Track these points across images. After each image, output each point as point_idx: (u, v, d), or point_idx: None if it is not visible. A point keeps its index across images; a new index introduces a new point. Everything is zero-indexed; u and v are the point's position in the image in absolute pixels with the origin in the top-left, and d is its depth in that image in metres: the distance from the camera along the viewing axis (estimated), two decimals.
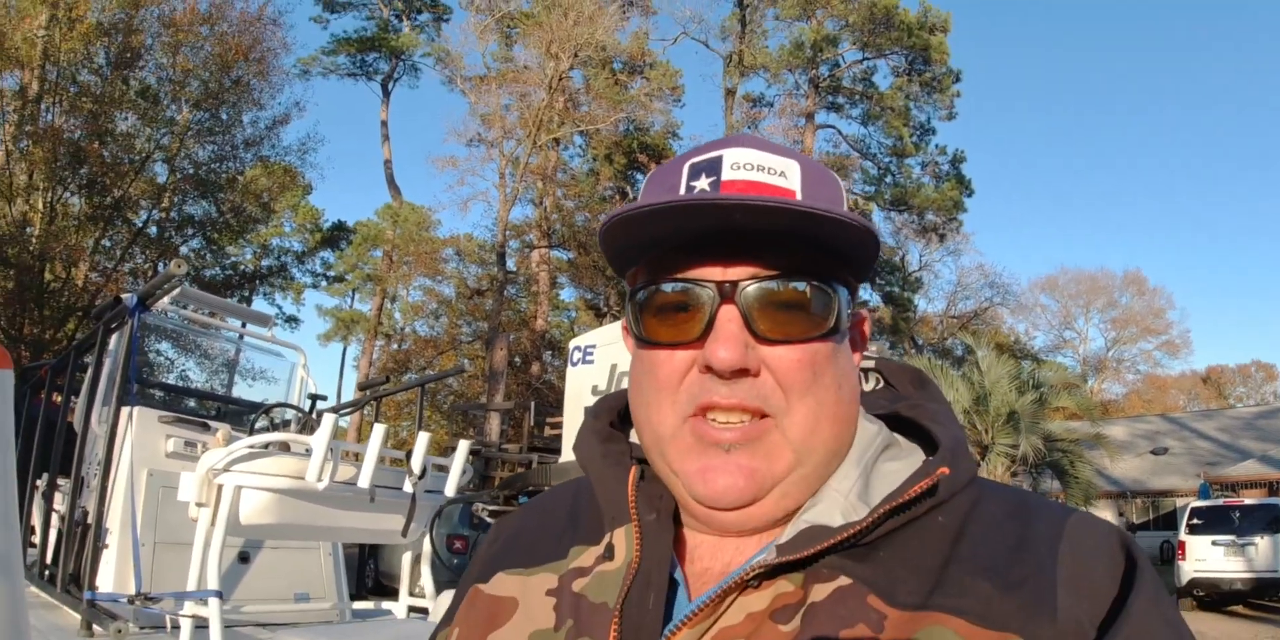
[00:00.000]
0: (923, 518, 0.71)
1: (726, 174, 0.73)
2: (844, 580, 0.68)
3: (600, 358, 3.01)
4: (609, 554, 0.77)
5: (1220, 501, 17.83)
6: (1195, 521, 16.75)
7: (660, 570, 0.72)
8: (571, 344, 3.10)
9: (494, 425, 21.86)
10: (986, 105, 79.60)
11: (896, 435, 0.80)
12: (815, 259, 0.71)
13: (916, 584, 0.67)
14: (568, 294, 37.45)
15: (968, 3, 72.27)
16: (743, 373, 0.69)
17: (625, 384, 2.52)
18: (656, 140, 34.07)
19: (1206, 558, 15.97)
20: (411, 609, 4.16)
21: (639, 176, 34.97)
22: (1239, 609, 16.23)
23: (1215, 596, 15.98)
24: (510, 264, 31.66)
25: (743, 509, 0.72)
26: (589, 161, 35.02)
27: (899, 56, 33.97)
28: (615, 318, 32.43)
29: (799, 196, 0.72)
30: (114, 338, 4.63)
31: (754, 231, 0.68)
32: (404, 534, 3.76)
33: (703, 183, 0.73)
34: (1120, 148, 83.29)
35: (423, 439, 3.79)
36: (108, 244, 22.52)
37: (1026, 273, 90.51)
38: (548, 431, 22.21)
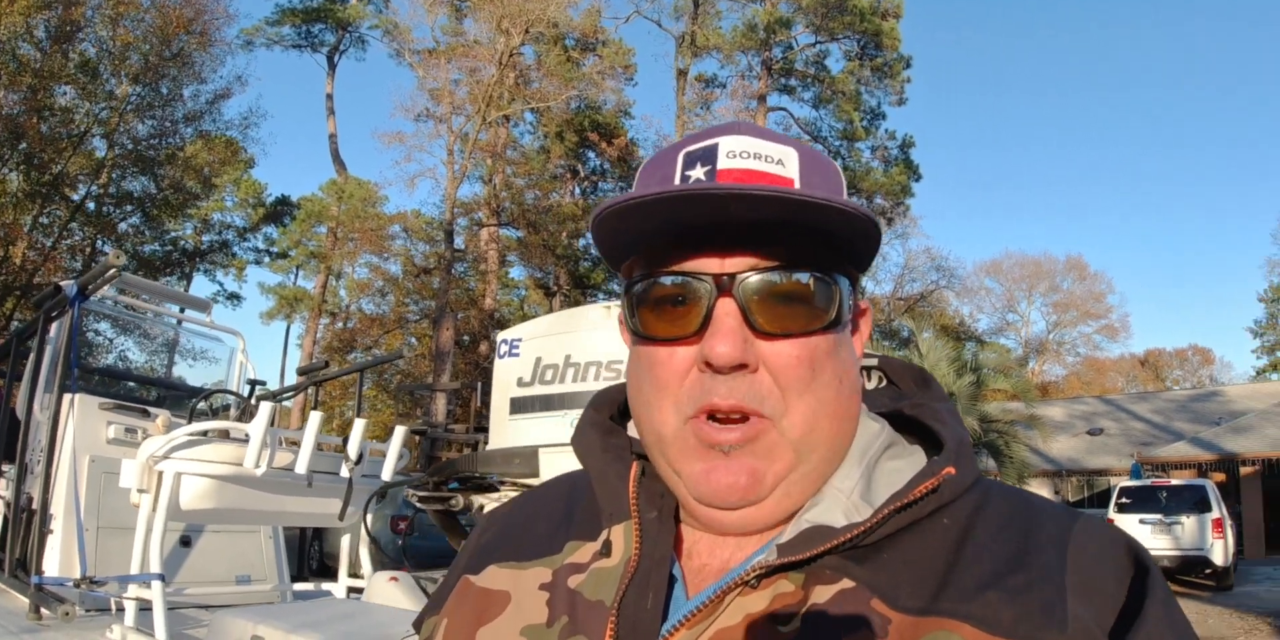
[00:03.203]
0: (927, 519, 0.70)
1: (723, 163, 0.71)
2: (846, 582, 0.67)
3: (525, 351, 3.16)
4: (606, 551, 0.76)
5: (1148, 482, 18.40)
6: (1124, 501, 17.29)
7: (660, 569, 0.71)
8: (499, 336, 3.25)
9: (440, 405, 21.88)
10: (936, 91, 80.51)
11: (899, 434, 0.79)
12: (815, 249, 0.70)
13: (920, 588, 0.66)
14: (517, 272, 37.29)
15: None
16: (740, 367, 0.68)
17: (548, 377, 2.68)
18: (608, 119, 33.97)
19: (1134, 536, 16.57)
20: (350, 590, 4.30)
21: (590, 155, 34.90)
22: None
23: None
24: (459, 242, 31.42)
25: (744, 510, 0.71)
26: (540, 139, 34.75)
27: (851, 41, 34.16)
28: (565, 297, 32.43)
29: (797, 185, 0.71)
30: (54, 326, 4.68)
31: (751, 222, 0.66)
32: (340, 518, 3.90)
33: (698, 172, 0.71)
34: (1065, 136, 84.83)
35: (359, 425, 3.92)
36: (45, 221, 22.06)
37: (972, 256, 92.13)
38: None
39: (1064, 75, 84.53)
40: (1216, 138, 77.32)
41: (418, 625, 0.88)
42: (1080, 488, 29.90)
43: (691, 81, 35.01)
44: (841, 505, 0.70)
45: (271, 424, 3.55)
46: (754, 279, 0.68)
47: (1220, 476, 23.22)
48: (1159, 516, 16.53)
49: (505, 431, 3.11)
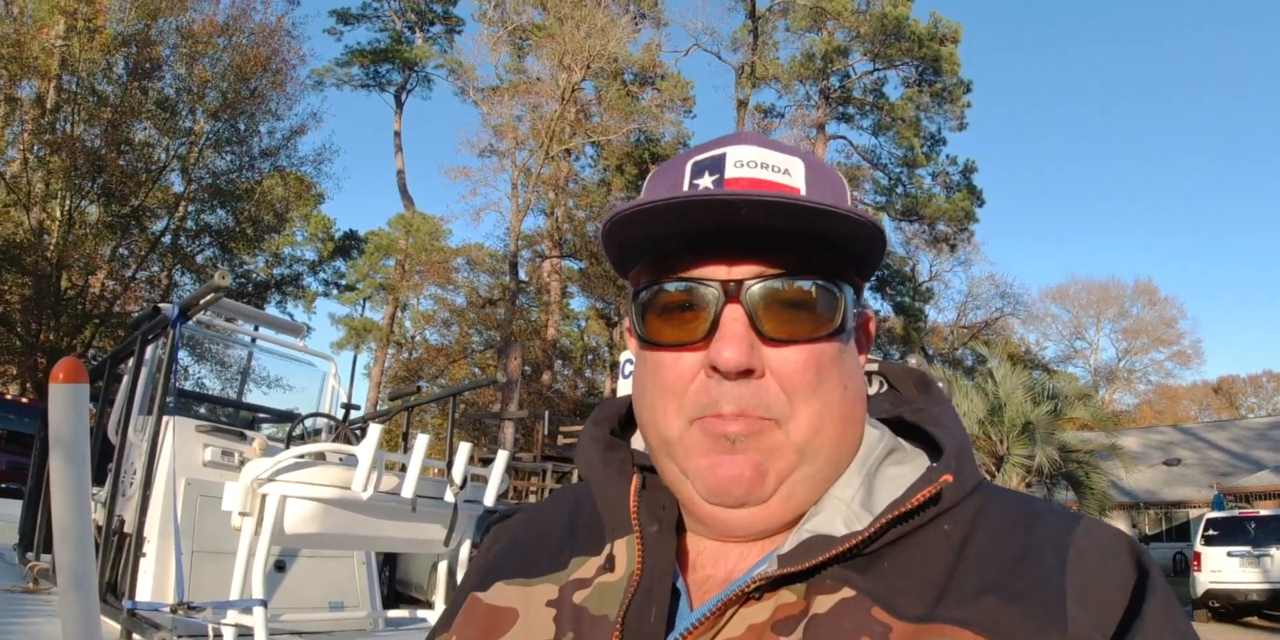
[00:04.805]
0: (927, 526, 0.70)
1: (730, 172, 0.72)
2: (847, 592, 0.67)
3: None
4: (609, 565, 0.76)
5: (1236, 513, 17.73)
6: (1211, 533, 16.66)
7: (662, 583, 0.71)
8: (623, 356, 3.16)
9: (508, 434, 21.90)
10: (997, 115, 79.82)
11: (900, 440, 0.79)
12: (821, 257, 0.70)
13: (921, 595, 0.66)
14: (578, 303, 37.64)
15: (978, 12, 72.40)
16: (747, 373, 0.68)
17: None
18: (668, 151, 34.19)
19: (1222, 569, 15.90)
20: None
21: None
22: (1254, 620, 16.17)
23: (1231, 608, 15.90)
24: (522, 273, 31.77)
25: (749, 508, 0.71)
26: (600, 172, 35.20)
27: (909, 67, 34.10)
28: None
29: (804, 194, 0.71)
30: (150, 348, 4.65)
31: (759, 229, 0.67)
32: (446, 543, 3.78)
33: (706, 181, 0.72)
34: (1131, 157, 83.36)
35: (464, 449, 3.81)
36: (125, 252, 22.68)
37: (1037, 282, 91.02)
38: (560, 440, 22.24)
39: (1129, 94, 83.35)
40: None
41: None
42: (1158, 521, 28.94)
43: (751, 111, 35.14)
44: (842, 514, 0.70)
45: (380, 448, 3.46)
46: (761, 286, 0.69)
47: None
48: (1248, 549, 15.88)
49: None
